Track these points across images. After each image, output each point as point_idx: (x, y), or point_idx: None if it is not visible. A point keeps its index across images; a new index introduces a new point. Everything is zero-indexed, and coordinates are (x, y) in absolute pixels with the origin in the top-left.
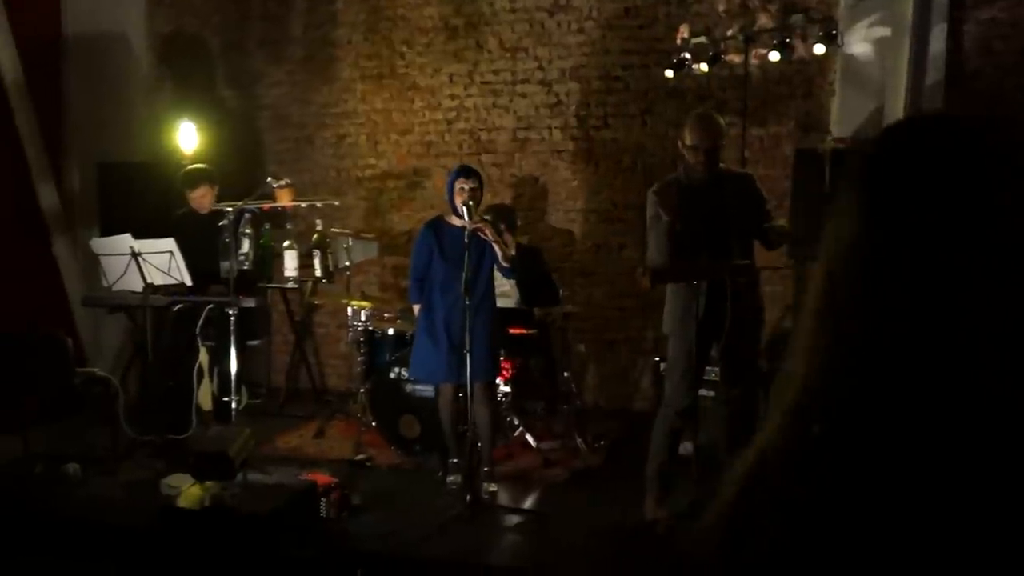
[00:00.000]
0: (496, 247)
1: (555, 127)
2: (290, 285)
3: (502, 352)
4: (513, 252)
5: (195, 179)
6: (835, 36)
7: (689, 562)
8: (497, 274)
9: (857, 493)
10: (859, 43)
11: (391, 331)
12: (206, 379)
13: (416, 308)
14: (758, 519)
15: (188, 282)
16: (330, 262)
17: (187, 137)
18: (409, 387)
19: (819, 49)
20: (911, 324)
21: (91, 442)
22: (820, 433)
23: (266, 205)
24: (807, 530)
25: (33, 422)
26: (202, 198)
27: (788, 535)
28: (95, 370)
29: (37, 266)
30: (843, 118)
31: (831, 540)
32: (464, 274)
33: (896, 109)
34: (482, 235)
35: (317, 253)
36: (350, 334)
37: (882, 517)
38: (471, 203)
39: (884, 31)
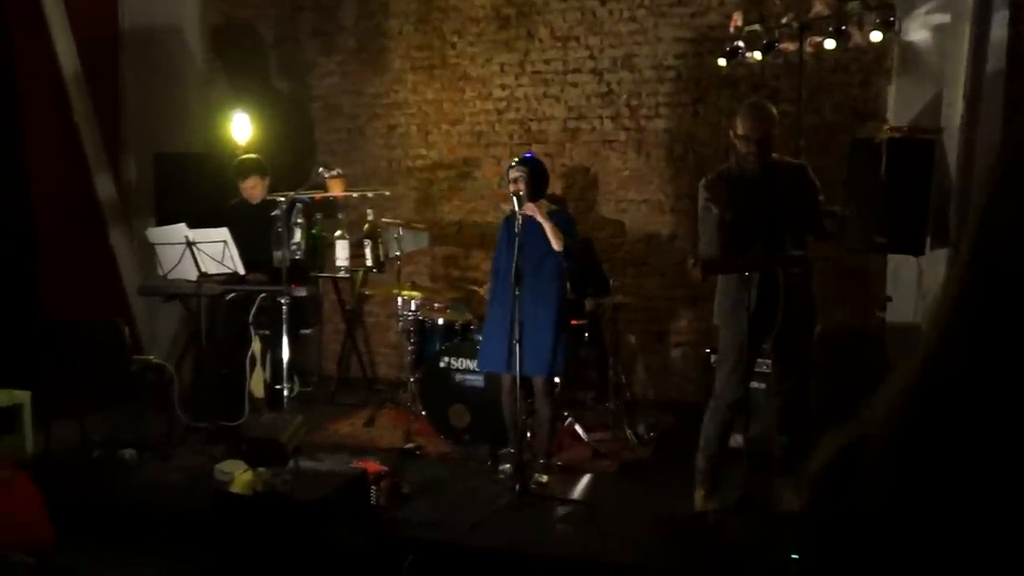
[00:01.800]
0: (547, 229)
1: (606, 117)
2: (341, 275)
3: (564, 348)
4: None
5: (246, 170)
6: (893, 23)
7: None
8: None
9: (955, 470)
10: (917, 30)
11: (441, 321)
12: (259, 367)
13: None
14: (855, 487)
15: (241, 271)
16: (381, 252)
17: (241, 128)
18: (459, 377)
19: (876, 36)
20: None
21: (147, 428)
22: (928, 412)
23: (318, 195)
24: (907, 501)
25: (91, 408)
26: (252, 189)
27: (885, 507)
28: (151, 357)
29: (95, 256)
30: (900, 107)
31: (930, 514)
32: (514, 264)
33: (955, 98)
34: (535, 218)
35: (368, 243)
36: (400, 324)
37: (981, 502)
38: (521, 193)
39: (943, 18)
